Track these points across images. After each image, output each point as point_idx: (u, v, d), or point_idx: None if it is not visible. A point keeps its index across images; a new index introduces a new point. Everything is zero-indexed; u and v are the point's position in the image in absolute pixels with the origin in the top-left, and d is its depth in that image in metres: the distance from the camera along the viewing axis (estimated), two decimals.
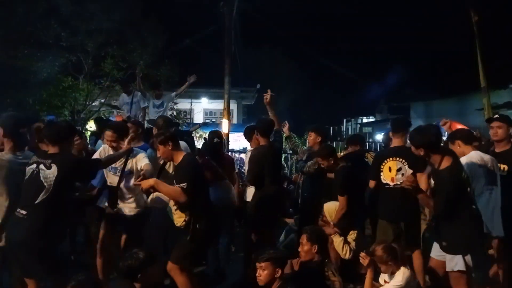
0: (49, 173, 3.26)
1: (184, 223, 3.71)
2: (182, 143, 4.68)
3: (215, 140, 5.33)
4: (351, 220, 4.60)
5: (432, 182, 3.64)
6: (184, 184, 3.58)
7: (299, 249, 3.74)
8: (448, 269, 3.49)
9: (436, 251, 3.70)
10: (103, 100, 16.80)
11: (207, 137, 5.56)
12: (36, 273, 3.26)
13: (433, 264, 3.74)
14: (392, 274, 3.48)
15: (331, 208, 4.61)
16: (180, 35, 18.96)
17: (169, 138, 3.81)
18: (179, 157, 3.81)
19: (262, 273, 3.24)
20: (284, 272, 3.33)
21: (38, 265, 3.22)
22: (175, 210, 3.78)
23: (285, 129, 5.85)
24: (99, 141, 5.49)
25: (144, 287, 3.07)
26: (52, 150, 3.42)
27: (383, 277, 3.57)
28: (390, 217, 4.30)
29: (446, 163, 3.45)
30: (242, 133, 5.52)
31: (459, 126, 5.15)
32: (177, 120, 14.91)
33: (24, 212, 3.27)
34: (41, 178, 3.26)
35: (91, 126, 14.22)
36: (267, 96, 5.28)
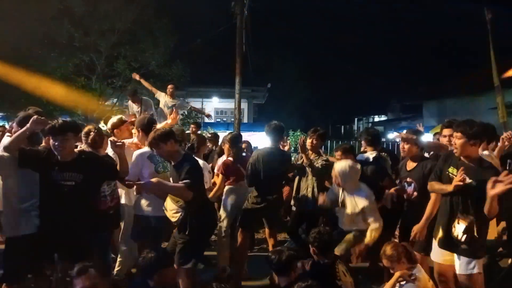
0: None
1: (180, 217, 3.73)
2: None
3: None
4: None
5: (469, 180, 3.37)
6: (188, 180, 3.58)
7: None
8: (463, 272, 3.40)
9: (440, 255, 3.62)
10: (116, 100, 16.96)
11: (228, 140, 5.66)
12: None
13: (441, 270, 3.65)
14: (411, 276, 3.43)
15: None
16: (191, 34, 19.03)
17: (171, 135, 3.78)
18: (178, 156, 3.81)
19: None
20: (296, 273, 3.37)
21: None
22: (171, 206, 3.80)
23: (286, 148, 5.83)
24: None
25: (157, 286, 3.12)
26: None
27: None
28: None
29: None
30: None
31: None
32: (188, 120, 14.99)
33: None
34: None
35: (103, 125, 14.36)
36: None
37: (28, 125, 3.33)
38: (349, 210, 4.27)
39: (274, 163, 4.77)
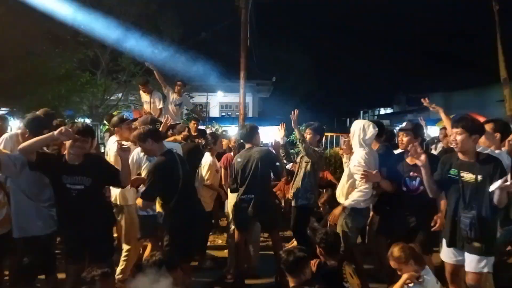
0: None
1: (162, 217, 3.94)
2: (175, 144, 4.76)
3: None
4: None
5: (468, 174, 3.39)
6: (142, 189, 3.78)
7: None
8: (473, 270, 3.35)
9: (450, 255, 3.58)
10: (121, 94, 16.95)
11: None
12: None
13: (451, 270, 3.61)
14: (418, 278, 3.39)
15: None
16: (196, 28, 18.96)
17: (148, 135, 3.84)
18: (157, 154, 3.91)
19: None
20: None
21: None
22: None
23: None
24: (112, 137, 5.58)
25: None
26: None
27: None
28: None
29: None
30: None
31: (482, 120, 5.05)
32: (192, 115, 14.96)
33: None
34: None
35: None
36: None
37: (54, 134, 3.29)
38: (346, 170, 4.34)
39: (251, 163, 4.74)
